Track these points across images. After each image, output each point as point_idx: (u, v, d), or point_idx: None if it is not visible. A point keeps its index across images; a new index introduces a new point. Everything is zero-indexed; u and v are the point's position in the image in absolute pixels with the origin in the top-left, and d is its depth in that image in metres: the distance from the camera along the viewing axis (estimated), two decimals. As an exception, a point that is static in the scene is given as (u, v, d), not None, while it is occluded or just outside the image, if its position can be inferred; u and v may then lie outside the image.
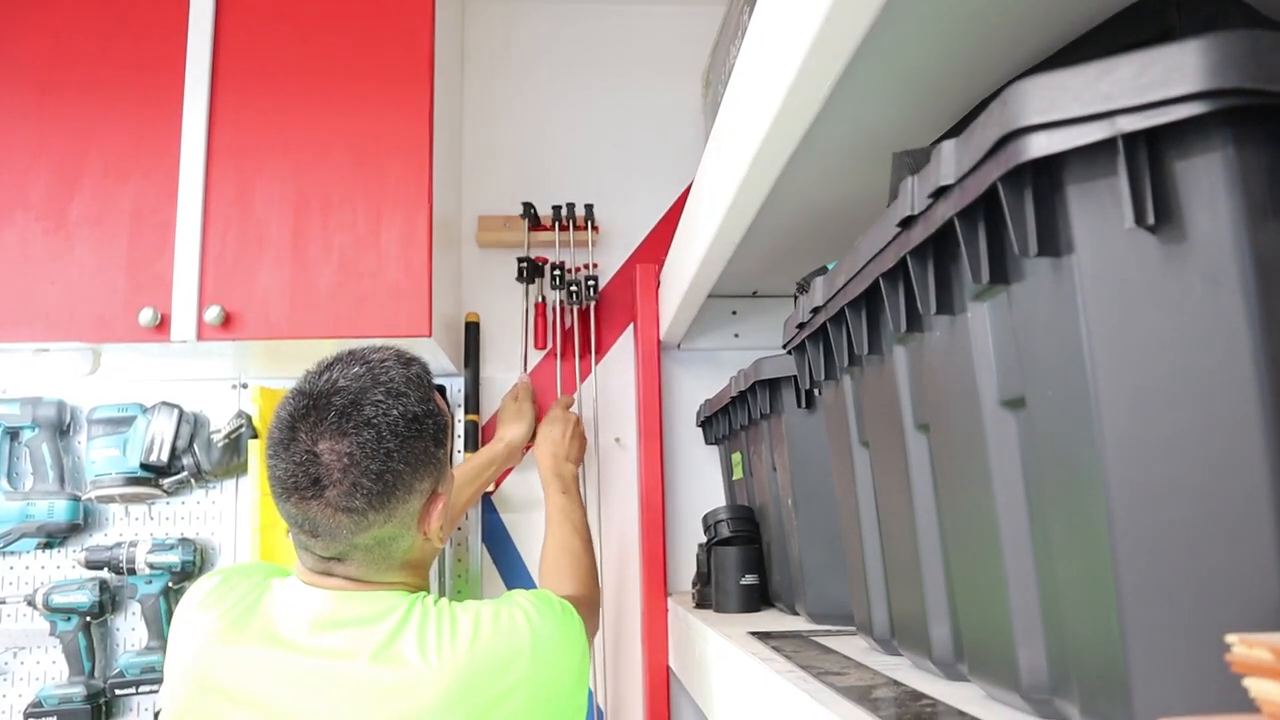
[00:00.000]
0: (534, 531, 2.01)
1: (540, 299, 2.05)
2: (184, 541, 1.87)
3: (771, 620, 1.44)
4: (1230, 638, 0.45)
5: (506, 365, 2.04)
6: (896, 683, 0.86)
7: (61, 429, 1.92)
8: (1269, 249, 0.50)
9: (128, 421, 1.88)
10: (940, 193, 0.67)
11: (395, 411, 1.06)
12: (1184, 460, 0.52)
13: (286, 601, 1.09)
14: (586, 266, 2.06)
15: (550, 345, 2.05)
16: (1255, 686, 0.43)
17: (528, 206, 2.02)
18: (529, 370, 2.04)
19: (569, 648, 1.14)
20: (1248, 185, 0.50)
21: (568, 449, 1.78)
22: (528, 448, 1.88)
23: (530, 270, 2.00)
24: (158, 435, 1.85)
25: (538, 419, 1.86)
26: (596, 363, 2.07)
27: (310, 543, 1.07)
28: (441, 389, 1.96)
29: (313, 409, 1.05)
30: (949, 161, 0.65)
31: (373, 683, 1.02)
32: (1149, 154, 0.52)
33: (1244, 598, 0.50)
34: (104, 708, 1.83)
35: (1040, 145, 0.55)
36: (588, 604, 1.40)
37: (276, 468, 1.05)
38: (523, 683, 1.06)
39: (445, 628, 1.06)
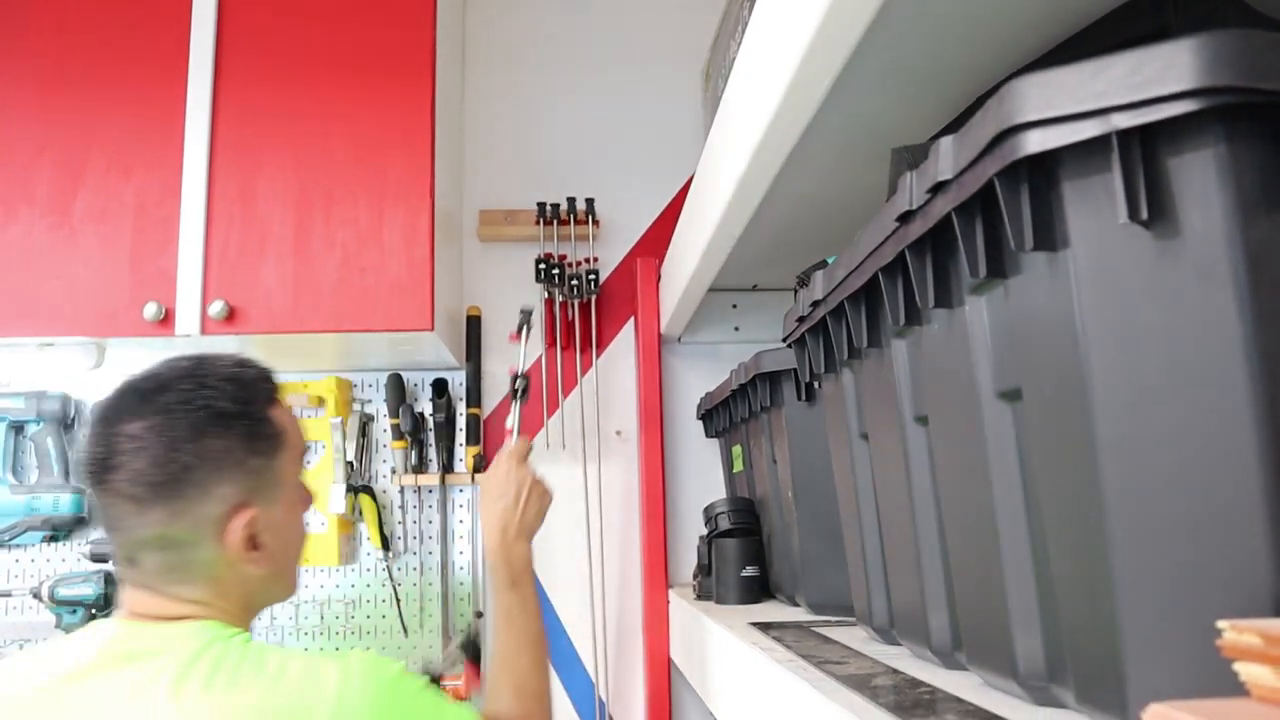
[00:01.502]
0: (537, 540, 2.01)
1: (549, 295, 2.06)
2: (188, 534, 1.88)
3: (772, 611, 1.45)
4: (1221, 623, 0.46)
5: (508, 359, 2.05)
6: (896, 671, 0.87)
7: (66, 423, 1.93)
8: (1261, 244, 0.51)
9: (132, 415, 1.89)
10: (938, 188, 0.68)
11: (198, 402, 0.99)
12: (1177, 451, 0.53)
13: (90, 633, 1.00)
14: (587, 260, 2.07)
15: (546, 340, 2.06)
16: (1245, 671, 0.44)
17: (542, 206, 2.03)
18: (525, 367, 2.04)
19: None
20: (1240, 181, 0.51)
21: (521, 521, 1.33)
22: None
23: (547, 269, 2.01)
24: (162, 429, 1.86)
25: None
26: (597, 356, 2.08)
27: (112, 538, 1.01)
28: (443, 383, 1.97)
29: (127, 392, 1.01)
30: (947, 157, 0.66)
31: None
32: (1143, 150, 0.53)
33: (1235, 585, 0.51)
34: (109, 699, 1.84)
35: (1036, 142, 0.56)
36: None
37: (81, 450, 1.03)
38: None
39: (245, 668, 0.92)
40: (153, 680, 0.91)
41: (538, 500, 1.36)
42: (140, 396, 0.99)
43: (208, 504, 0.98)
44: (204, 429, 0.99)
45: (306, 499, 1.13)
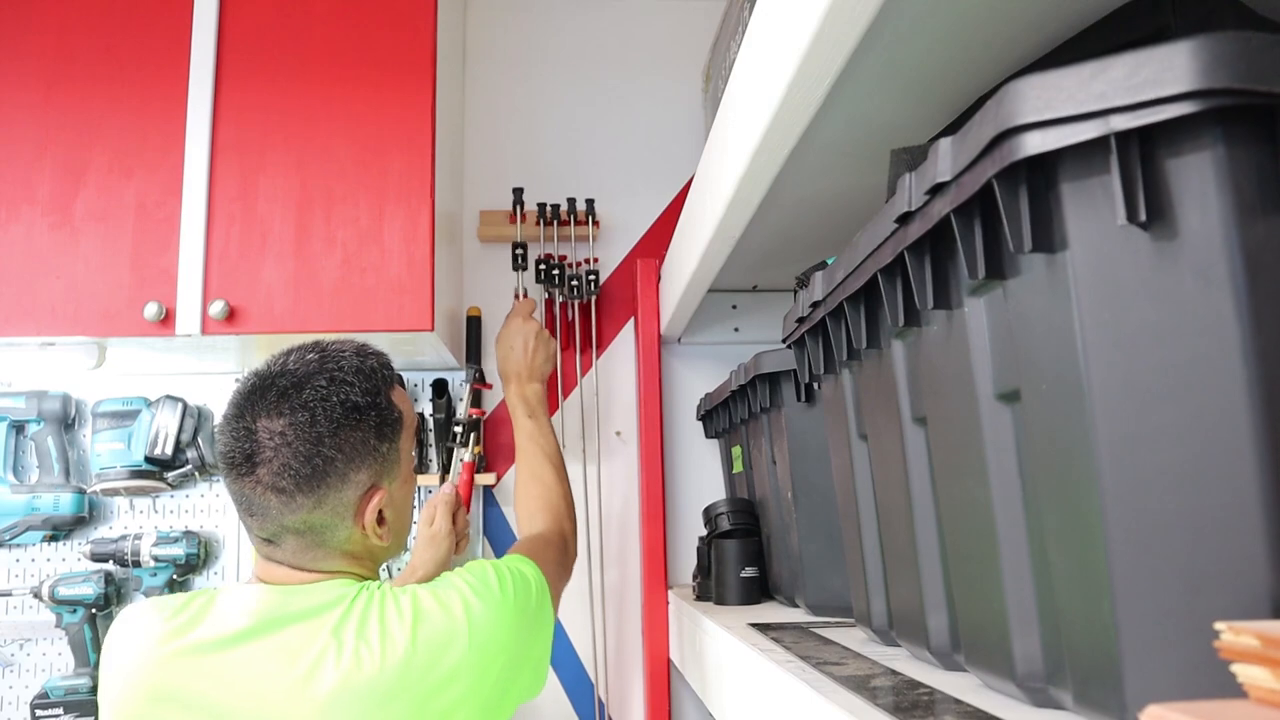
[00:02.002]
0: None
1: (548, 295, 2.06)
2: (188, 534, 1.89)
3: (771, 612, 1.45)
4: (1219, 625, 0.46)
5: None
6: (894, 672, 0.87)
7: (67, 422, 1.93)
8: (1258, 246, 0.51)
9: (132, 415, 1.89)
10: (937, 189, 0.68)
11: (335, 398, 1.06)
12: (1175, 452, 0.53)
13: (233, 601, 1.06)
14: (587, 261, 2.07)
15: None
16: (1243, 672, 0.44)
17: (542, 207, 2.03)
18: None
19: (506, 629, 1.10)
20: (1238, 183, 0.51)
21: (530, 366, 1.65)
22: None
23: (547, 270, 2.02)
24: (162, 429, 1.86)
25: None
26: (597, 357, 2.08)
27: (249, 522, 1.08)
28: (443, 383, 1.97)
29: (259, 388, 1.06)
30: (945, 159, 0.66)
31: (319, 678, 0.99)
32: (1141, 152, 0.53)
33: (1233, 586, 0.51)
34: (109, 699, 1.85)
35: (1035, 143, 0.56)
36: (559, 542, 1.40)
37: (220, 443, 1.08)
38: (462, 669, 1.04)
39: (390, 615, 1.04)
40: (313, 636, 1.01)
41: (544, 347, 1.67)
42: (279, 394, 1.05)
43: (346, 490, 1.07)
44: (343, 423, 1.06)
45: (413, 470, 1.21)
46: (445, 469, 1.96)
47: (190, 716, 1.00)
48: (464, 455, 1.71)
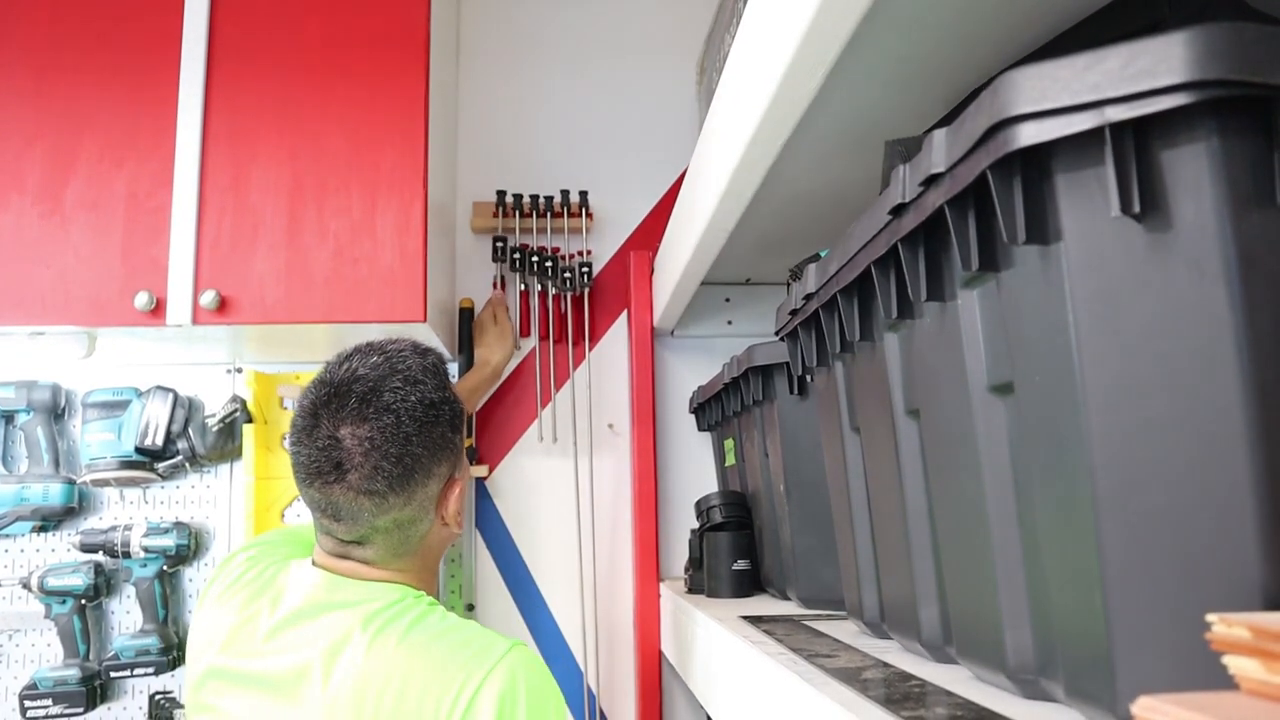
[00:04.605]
0: (528, 516, 2.02)
1: (522, 285, 2.06)
2: (179, 525, 1.88)
3: (763, 605, 1.45)
4: (1211, 616, 0.46)
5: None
6: (886, 664, 0.87)
7: (56, 413, 1.92)
8: (1252, 237, 0.51)
9: (123, 405, 1.88)
10: (931, 181, 0.68)
11: (413, 398, 1.09)
12: (1168, 444, 0.53)
13: (294, 582, 1.12)
14: (580, 253, 2.06)
15: (539, 332, 2.06)
16: (1234, 664, 0.44)
17: (519, 197, 2.03)
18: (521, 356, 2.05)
19: None
20: (1232, 174, 0.51)
21: (500, 363, 1.93)
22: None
23: (512, 256, 2.03)
24: (152, 419, 1.86)
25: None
26: (590, 349, 2.07)
27: (333, 526, 1.09)
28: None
29: (334, 397, 1.08)
30: (940, 150, 0.66)
31: (357, 663, 1.02)
32: (1136, 143, 0.53)
33: (1225, 578, 0.51)
34: (99, 690, 1.84)
35: (1029, 134, 0.56)
36: None
37: (300, 454, 1.08)
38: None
39: (429, 621, 1.06)
40: (346, 623, 1.04)
41: (512, 334, 1.98)
42: (359, 400, 1.07)
43: (430, 484, 1.11)
44: (424, 422, 1.09)
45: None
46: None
47: (245, 693, 1.08)
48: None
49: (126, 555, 1.85)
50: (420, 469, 1.09)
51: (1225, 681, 0.45)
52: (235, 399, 1.93)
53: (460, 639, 1.05)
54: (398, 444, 1.07)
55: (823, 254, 1.00)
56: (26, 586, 1.84)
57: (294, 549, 1.24)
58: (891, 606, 0.94)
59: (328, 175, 1.67)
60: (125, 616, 1.91)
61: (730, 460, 1.78)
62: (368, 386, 1.08)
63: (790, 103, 0.96)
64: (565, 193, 2.04)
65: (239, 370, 1.98)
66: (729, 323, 2.04)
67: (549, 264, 2.01)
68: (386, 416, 1.07)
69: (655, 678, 1.89)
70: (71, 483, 1.88)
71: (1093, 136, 0.54)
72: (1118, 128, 0.53)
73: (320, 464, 1.06)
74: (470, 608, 1.97)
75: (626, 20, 2.20)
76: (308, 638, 1.06)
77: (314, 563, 1.14)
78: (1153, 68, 0.51)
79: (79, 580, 1.83)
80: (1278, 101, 0.51)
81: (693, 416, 2.02)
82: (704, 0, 1.80)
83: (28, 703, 1.78)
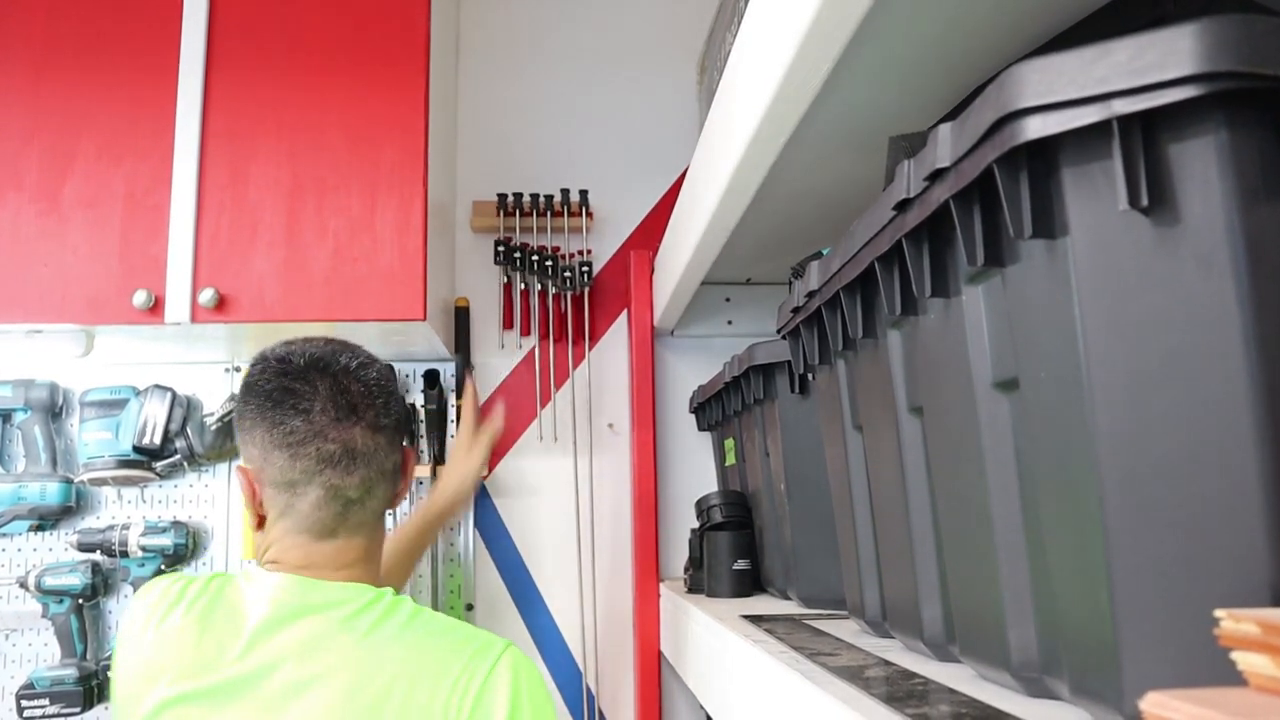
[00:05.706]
0: (527, 517, 2.02)
1: (522, 285, 2.06)
2: (176, 524, 1.87)
3: (764, 605, 1.45)
4: (1219, 612, 0.45)
5: (495, 350, 2.05)
6: (888, 663, 0.86)
7: (54, 411, 1.92)
8: (1261, 231, 0.50)
9: (120, 404, 1.88)
10: (936, 176, 0.68)
11: (377, 362, 1.15)
12: (1175, 440, 0.53)
13: (253, 591, 1.06)
14: (580, 253, 2.06)
15: (539, 332, 2.06)
16: (1243, 660, 0.44)
17: (519, 196, 2.03)
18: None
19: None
20: (1240, 168, 0.51)
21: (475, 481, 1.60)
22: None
23: (512, 255, 2.02)
24: (150, 418, 1.85)
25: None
26: (590, 349, 2.07)
27: (345, 481, 1.06)
28: (435, 374, 1.96)
29: (312, 367, 1.08)
30: (945, 144, 0.66)
31: (350, 665, 0.99)
32: (1143, 137, 0.52)
33: (1232, 574, 0.51)
34: (96, 690, 1.83)
35: (1036, 127, 0.55)
36: None
37: (307, 414, 1.06)
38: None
39: (419, 619, 1.04)
40: (326, 626, 1.02)
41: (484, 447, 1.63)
42: (352, 355, 1.12)
43: (399, 442, 1.15)
44: (393, 380, 1.16)
45: None
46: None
47: (222, 710, 1.04)
48: None
49: (124, 554, 1.84)
50: (404, 418, 1.16)
51: (1233, 678, 0.44)
52: (233, 398, 1.92)
53: (461, 636, 1.04)
54: (388, 391, 1.12)
55: (825, 252, 1.00)
56: (24, 586, 1.83)
57: (213, 573, 1.15)
58: (894, 605, 0.94)
59: (327, 173, 1.67)
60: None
61: (730, 460, 1.78)
62: (337, 352, 1.11)
63: (793, 100, 0.95)
64: (565, 192, 2.04)
65: (237, 369, 1.97)
66: (729, 322, 2.04)
67: (549, 263, 2.01)
68: (372, 369, 1.12)
69: (655, 678, 1.89)
70: (69, 482, 1.88)
71: (1100, 130, 0.53)
72: (1125, 121, 0.52)
73: (337, 410, 1.06)
74: (469, 608, 1.96)
75: (627, 20, 2.20)
76: (286, 644, 1.01)
77: (267, 569, 1.08)
78: (1161, 60, 0.50)
79: (76, 579, 1.82)
80: (1287, 95, 0.50)
81: (693, 416, 2.02)
82: (704, 0, 1.80)
83: (25, 702, 1.77)
